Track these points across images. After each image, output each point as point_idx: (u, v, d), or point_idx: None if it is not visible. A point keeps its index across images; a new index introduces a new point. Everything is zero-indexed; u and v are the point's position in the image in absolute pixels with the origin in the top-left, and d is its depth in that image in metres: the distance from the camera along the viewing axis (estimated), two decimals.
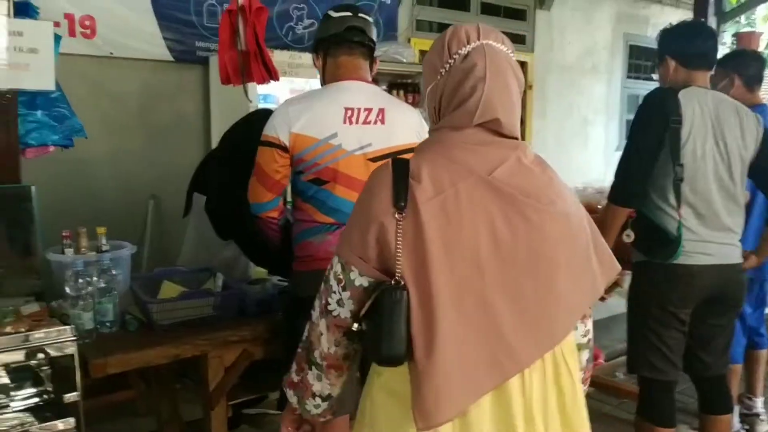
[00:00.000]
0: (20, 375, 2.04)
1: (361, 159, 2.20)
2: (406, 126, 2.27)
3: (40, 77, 2.36)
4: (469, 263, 1.24)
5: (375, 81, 2.46)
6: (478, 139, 1.32)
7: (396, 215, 1.24)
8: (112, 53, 4.12)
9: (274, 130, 2.22)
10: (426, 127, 2.20)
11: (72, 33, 3.97)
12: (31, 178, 2.49)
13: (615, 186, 2.54)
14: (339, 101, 2.21)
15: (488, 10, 6.16)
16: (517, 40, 6.49)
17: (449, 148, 1.32)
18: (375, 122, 2.22)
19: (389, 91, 5.16)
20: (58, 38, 2.53)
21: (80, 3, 3.98)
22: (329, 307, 1.34)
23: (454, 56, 1.34)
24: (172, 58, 4.36)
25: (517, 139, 1.36)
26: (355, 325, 1.31)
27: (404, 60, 4.98)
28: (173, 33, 4.34)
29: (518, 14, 6.49)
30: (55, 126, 2.58)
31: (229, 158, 2.60)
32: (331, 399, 1.45)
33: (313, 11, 4.96)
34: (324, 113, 2.20)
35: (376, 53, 4.84)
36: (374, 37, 2.34)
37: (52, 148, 2.64)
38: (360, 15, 2.32)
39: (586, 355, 1.51)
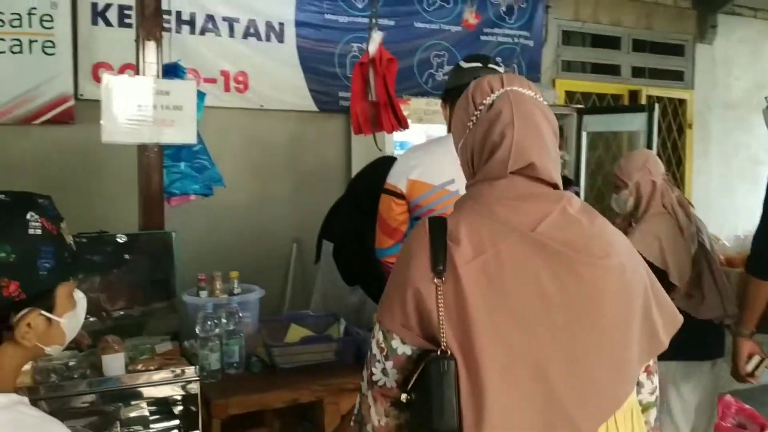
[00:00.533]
0: (157, 409, 2.19)
1: None
2: None
3: (184, 132, 2.57)
4: (517, 328, 1.17)
5: None
6: (516, 192, 1.25)
7: (435, 280, 1.17)
8: (262, 105, 4.42)
9: (393, 178, 2.27)
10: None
11: (227, 88, 4.31)
12: (174, 225, 2.69)
13: (753, 256, 2.29)
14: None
15: (641, 46, 5.87)
16: (675, 76, 6.11)
17: (487, 204, 1.25)
18: None
19: None
20: (201, 95, 2.75)
21: (235, 61, 4.32)
22: (374, 377, 1.26)
23: (480, 108, 1.29)
24: (316, 108, 4.59)
25: (557, 186, 1.28)
26: (404, 396, 1.21)
27: (547, 102, 4.83)
28: (318, 85, 4.57)
29: (675, 49, 6.11)
30: (197, 176, 2.79)
31: (353, 205, 2.65)
32: None
33: (454, 58, 4.99)
34: (441, 160, 2.17)
35: None
36: None
37: (193, 197, 2.85)
38: (490, 66, 2.27)
39: (654, 414, 1.38)
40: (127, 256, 2.47)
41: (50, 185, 3.83)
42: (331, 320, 2.80)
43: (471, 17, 3.09)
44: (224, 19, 4.28)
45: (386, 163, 2.94)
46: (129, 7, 3.89)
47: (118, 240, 2.45)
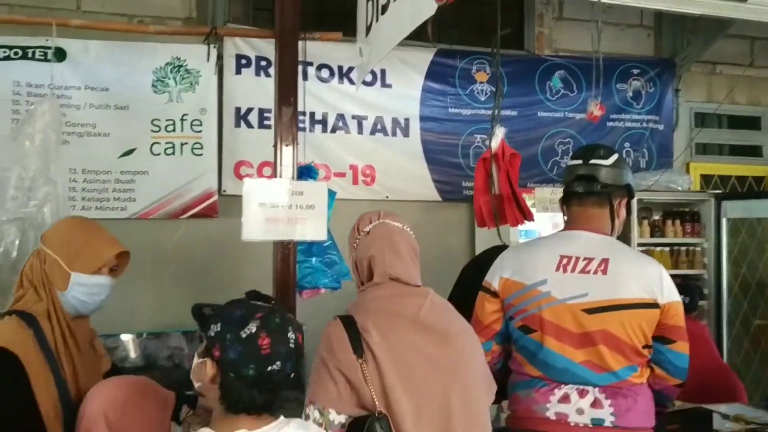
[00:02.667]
0: None
1: (573, 309, 2.05)
2: (637, 279, 2.05)
3: (316, 229, 2.71)
4: (419, 387, 1.61)
5: (648, 210, 2.33)
6: (399, 291, 1.71)
7: (358, 361, 1.58)
8: (388, 197, 4.57)
9: (490, 276, 2.25)
10: (669, 284, 2.05)
11: (355, 181, 4.51)
12: (304, 316, 2.80)
13: None
14: (555, 249, 2.15)
15: None
16: None
17: (380, 301, 1.70)
18: (595, 272, 2.06)
19: (663, 220, 4.83)
20: (332, 194, 2.91)
21: (363, 155, 4.54)
22: None
23: (361, 232, 1.79)
24: (440, 198, 4.68)
25: (419, 286, 1.75)
26: None
27: (679, 188, 4.65)
28: (442, 175, 4.68)
29: None
30: (326, 271, 2.91)
31: (460, 297, 2.64)
32: None
33: (579, 144, 4.95)
34: (536, 259, 2.16)
35: (647, 182, 4.61)
36: (618, 179, 2.19)
37: (323, 290, 2.96)
38: (591, 162, 2.18)
39: None
40: None
41: (195, 274, 4.15)
42: None
43: (596, 110, 3.06)
44: (353, 117, 4.53)
45: (496, 253, 2.91)
46: (268, 110, 4.22)
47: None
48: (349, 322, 1.64)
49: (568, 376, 2.03)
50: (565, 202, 2.26)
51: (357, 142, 4.53)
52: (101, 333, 2.20)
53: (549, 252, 2.15)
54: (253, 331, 1.34)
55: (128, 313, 3.67)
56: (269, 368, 1.33)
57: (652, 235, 4.70)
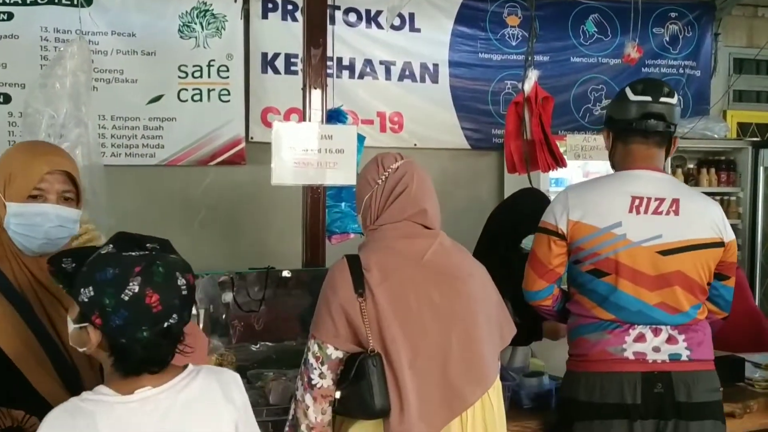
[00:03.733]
0: None
1: (648, 251, 2.00)
2: (705, 218, 2.05)
3: (345, 174, 2.68)
4: (417, 329, 1.63)
5: (683, 158, 2.30)
6: (409, 231, 1.72)
7: (358, 300, 1.60)
8: (416, 144, 4.53)
9: (553, 217, 2.11)
10: (727, 222, 2.09)
11: (383, 128, 4.47)
12: (334, 261, 2.81)
13: None
14: (626, 189, 2.05)
15: None
16: None
17: (388, 241, 1.71)
18: (668, 213, 2.02)
19: (698, 169, 4.73)
20: (361, 139, 2.87)
21: (391, 102, 4.48)
22: (312, 382, 1.64)
23: (388, 170, 1.75)
24: (469, 146, 4.63)
25: (435, 228, 1.75)
26: (338, 393, 1.62)
27: (716, 135, 4.53)
28: (471, 123, 4.61)
29: None
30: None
31: (489, 247, 2.61)
32: None
33: (612, 91, 4.82)
34: (608, 201, 2.05)
35: (683, 129, 4.51)
36: (676, 119, 2.14)
37: (352, 235, 2.95)
38: (662, 100, 2.09)
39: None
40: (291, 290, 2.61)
41: (224, 220, 4.19)
42: None
43: (633, 51, 2.97)
44: (381, 62, 4.46)
45: (527, 196, 2.83)
46: (295, 56, 4.17)
47: (285, 275, 2.59)
48: (353, 262, 1.67)
49: (641, 318, 2.01)
50: (623, 139, 2.13)
51: (385, 89, 4.47)
52: None
53: (620, 193, 2.05)
54: (137, 290, 1.18)
55: None
56: (166, 324, 1.21)
57: (686, 184, 4.61)
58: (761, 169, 4.63)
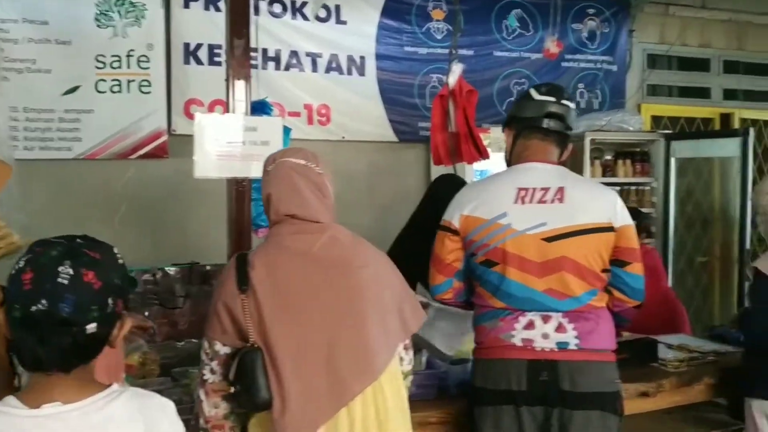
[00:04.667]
0: None
1: (534, 239, 2.06)
2: (590, 204, 2.09)
3: None
4: (302, 322, 1.66)
5: (600, 150, 2.35)
6: (294, 228, 1.74)
7: (240, 296, 1.64)
8: (344, 137, 4.53)
9: (449, 214, 2.22)
10: (622, 208, 2.11)
11: (310, 121, 4.44)
12: None
13: None
14: (513, 182, 2.13)
15: (732, 68, 5.64)
16: (765, 97, 5.83)
17: (278, 237, 1.75)
18: (552, 201, 2.08)
19: (615, 160, 4.92)
20: (287, 130, 2.85)
21: (318, 94, 4.46)
22: (204, 377, 1.70)
23: (265, 170, 1.81)
24: (396, 139, 4.66)
25: (323, 222, 1.75)
26: (232, 388, 1.65)
27: (630, 128, 4.73)
28: (398, 115, 4.64)
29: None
30: None
31: (415, 230, 2.68)
32: None
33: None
34: (495, 194, 2.13)
35: (600, 123, 4.69)
36: (573, 123, 2.24)
37: None
38: (563, 102, 2.19)
39: (410, 379, 1.96)
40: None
41: (146, 216, 4.07)
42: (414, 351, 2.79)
43: (553, 46, 3.07)
44: (308, 54, 4.43)
45: (444, 181, 2.93)
46: (219, 46, 4.09)
47: (208, 269, 2.55)
48: (241, 259, 1.71)
49: (531, 305, 2.05)
50: (524, 136, 2.21)
51: (312, 81, 4.44)
52: None
53: (507, 185, 2.13)
54: (21, 265, 1.16)
55: None
56: (33, 308, 1.12)
57: (603, 175, 4.79)
58: (673, 160, 4.86)
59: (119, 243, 3.94)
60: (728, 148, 4.62)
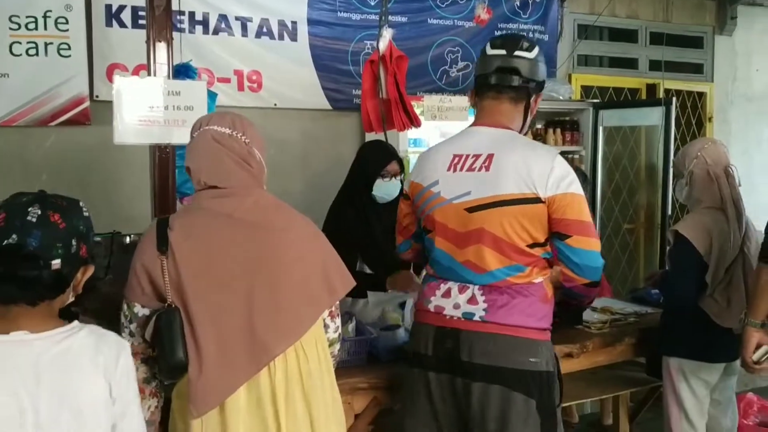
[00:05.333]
0: None
1: (457, 208, 2.00)
2: (515, 173, 1.93)
3: None
4: (221, 284, 1.64)
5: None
6: (216, 193, 1.72)
7: (160, 257, 1.64)
8: (275, 104, 4.43)
9: (407, 178, 2.23)
10: (559, 176, 1.92)
11: (241, 87, 4.32)
12: None
13: (766, 244, 2.21)
14: (452, 148, 2.07)
15: (658, 39, 5.78)
16: (694, 69, 6.02)
17: (200, 201, 1.74)
18: (480, 169, 1.97)
19: (545, 129, 5.00)
20: (213, 95, 2.76)
21: (248, 60, 4.34)
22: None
23: (191, 139, 1.79)
24: (330, 107, 4.59)
25: (245, 188, 1.74)
26: (150, 351, 1.67)
27: (561, 97, 4.80)
28: (331, 83, 4.57)
29: (694, 42, 6.03)
30: None
31: (347, 195, 2.69)
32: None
33: (468, 54, 4.97)
34: (433, 160, 2.09)
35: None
36: (538, 74, 2.07)
37: None
38: (516, 54, 2.03)
39: (337, 347, 1.96)
40: None
41: (68, 186, 3.89)
42: (344, 318, 2.79)
43: (483, 12, 3.07)
44: (237, 18, 4.29)
45: (369, 145, 2.95)
46: (143, 8, 3.89)
47: (131, 239, 2.47)
48: (161, 223, 1.70)
49: (452, 275, 2.04)
50: (480, 95, 2.09)
51: (242, 46, 4.31)
52: None
53: (445, 151, 2.07)
54: None
55: None
56: (4, 242, 1.29)
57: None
58: (600, 129, 4.97)
59: None
60: (652, 117, 4.76)
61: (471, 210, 1.97)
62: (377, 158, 2.79)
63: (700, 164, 2.65)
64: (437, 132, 4.53)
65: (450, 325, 2.00)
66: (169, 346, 1.60)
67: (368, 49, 4.62)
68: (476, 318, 1.96)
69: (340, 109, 4.64)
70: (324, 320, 1.85)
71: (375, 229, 2.35)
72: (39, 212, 1.32)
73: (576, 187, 1.93)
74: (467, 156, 2.01)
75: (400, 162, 2.88)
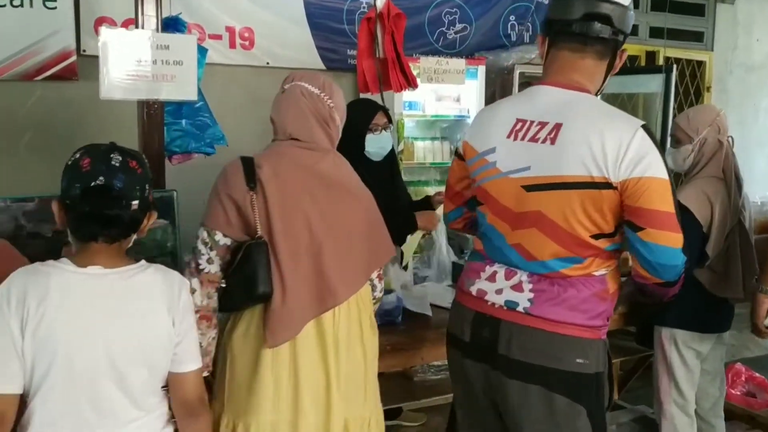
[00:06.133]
0: None
1: (514, 184, 1.72)
2: (583, 150, 1.61)
3: (185, 88, 2.48)
4: (301, 225, 1.76)
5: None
6: (299, 145, 1.83)
7: (249, 192, 1.73)
8: (268, 63, 4.32)
9: (461, 137, 1.97)
10: (637, 155, 1.59)
11: (232, 45, 4.21)
12: (175, 184, 2.63)
13: None
14: (516, 110, 1.78)
15: (660, 6, 5.67)
16: (694, 37, 5.93)
17: (281, 149, 1.84)
18: (544, 140, 1.67)
19: None
20: (203, 51, 2.67)
21: (240, 17, 4.21)
22: (200, 267, 1.75)
23: (281, 91, 1.91)
24: (324, 66, 4.48)
25: (323, 147, 1.86)
26: (223, 282, 1.76)
27: None
28: (326, 42, 4.46)
29: (695, 9, 5.93)
30: (198, 134, 2.71)
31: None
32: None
33: (466, 15, 4.86)
34: (492, 123, 1.81)
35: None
36: (627, 27, 1.74)
37: (195, 156, 2.78)
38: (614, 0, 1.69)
39: (376, 307, 2.04)
40: None
41: (54, 142, 3.81)
42: None
43: None
44: None
45: (355, 101, 2.78)
46: None
47: None
48: (247, 161, 1.78)
49: (500, 256, 1.80)
50: (556, 44, 1.75)
51: (234, 2, 4.18)
52: None
53: (508, 113, 1.78)
54: (77, 157, 1.45)
55: None
56: (92, 183, 1.41)
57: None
58: (599, 96, 4.88)
59: (25, 171, 3.75)
60: (652, 84, 4.69)
61: (528, 188, 1.70)
62: (363, 113, 2.65)
63: (713, 132, 2.58)
64: (433, 95, 4.47)
65: (490, 312, 1.77)
66: (259, 276, 1.71)
67: (363, 8, 4.50)
68: (519, 308, 1.72)
69: (334, 69, 4.53)
70: (372, 280, 1.97)
71: (374, 189, 2.23)
72: (120, 158, 1.45)
73: (656, 170, 1.60)
74: (531, 123, 1.72)
75: (387, 113, 2.74)
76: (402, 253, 2.81)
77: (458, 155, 1.94)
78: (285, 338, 1.74)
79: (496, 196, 1.77)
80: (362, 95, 3.74)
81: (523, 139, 1.71)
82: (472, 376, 1.84)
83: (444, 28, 4.84)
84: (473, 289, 1.83)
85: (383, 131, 2.70)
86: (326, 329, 1.80)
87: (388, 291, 2.70)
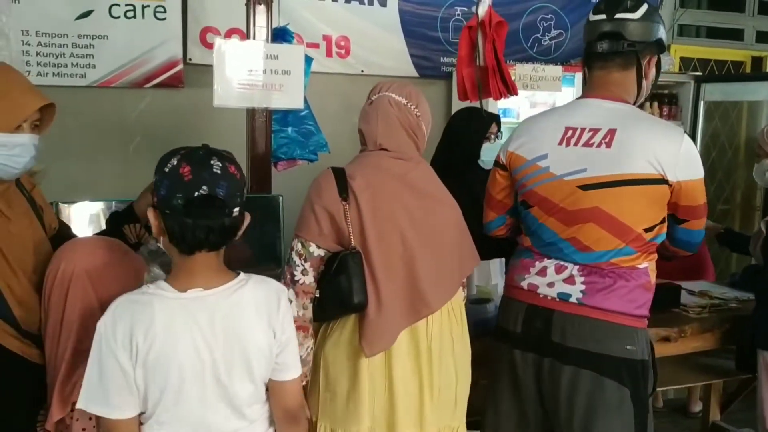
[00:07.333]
0: None
1: (568, 185, 1.90)
2: (641, 151, 1.81)
3: (292, 97, 2.57)
4: (394, 235, 1.77)
5: None
6: (389, 155, 1.84)
7: (342, 203, 1.74)
8: (363, 71, 4.39)
9: (502, 148, 2.11)
10: (687, 159, 1.82)
11: (329, 53, 4.30)
12: (280, 189, 2.72)
13: None
14: (564, 120, 1.96)
15: (766, 9, 5.41)
16: None
17: (372, 160, 1.85)
18: (599, 145, 1.86)
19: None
20: (309, 60, 2.74)
21: (337, 25, 4.30)
22: (295, 278, 1.77)
23: (369, 102, 1.90)
24: (417, 74, 4.52)
25: (412, 158, 1.87)
26: (317, 292, 1.77)
27: (666, 68, 4.56)
28: (419, 50, 4.49)
29: None
30: (303, 141, 2.79)
31: (443, 168, 2.62)
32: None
33: (561, 21, 4.78)
34: (542, 132, 1.98)
35: None
36: (648, 34, 1.92)
37: (299, 162, 2.85)
38: (617, 17, 1.92)
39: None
40: None
41: (162, 147, 3.98)
42: None
43: None
44: None
45: (462, 114, 2.86)
46: None
47: None
48: (339, 172, 1.81)
49: (552, 250, 1.95)
50: (588, 66, 2.00)
51: (331, 11, 4.28)
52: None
53: (556, 123, 1.97)
54: (175, 163, 1.38)
55: (91, 183, 3.54)
56: (196, 193, 1.35)
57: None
58: (701, 104, 4.71)
59: (133, 173, 3.94)
60: (760, 92, 4.47)
61: (585, 188, 1.87)
62: (481, 123, 2.74)
63: None
64: (527, 102, 4.41)
65: (543, 304, 1.93)
66: (354, 286, 1.72)
67: (458, 15, 4.51)
68: (572, 300, 1.88)
69: (427, 77, 4.56)
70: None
71: (480, 197, 2.25)
72: (220, 164, 1.39)
73: (700, 170, 1.87)
74: (582, 130, 1.90)
75: (499, 122, 2.87)
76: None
77: (500, 166, 2.09)
78: (381, 348, 1.76)
79: (550, 196, 1.94)
80: (456, 103, 3.75)
81: (576, 144, 1.90)
82: (520, 367, 1.97)
83: (539, 35, 4.79)
84: (524, 284, 1.98)
85: (495, 140, 2.75)
86: (420, 338, 1.82)
87: (486, 300, 2.69)
